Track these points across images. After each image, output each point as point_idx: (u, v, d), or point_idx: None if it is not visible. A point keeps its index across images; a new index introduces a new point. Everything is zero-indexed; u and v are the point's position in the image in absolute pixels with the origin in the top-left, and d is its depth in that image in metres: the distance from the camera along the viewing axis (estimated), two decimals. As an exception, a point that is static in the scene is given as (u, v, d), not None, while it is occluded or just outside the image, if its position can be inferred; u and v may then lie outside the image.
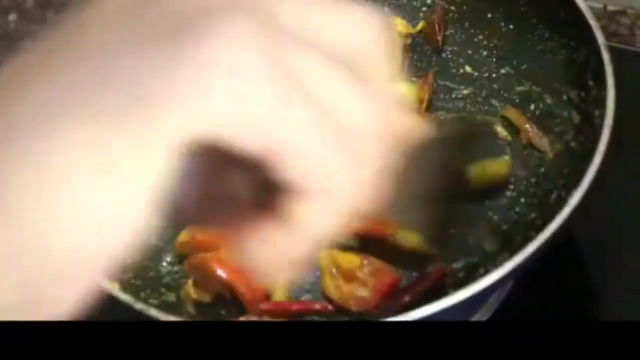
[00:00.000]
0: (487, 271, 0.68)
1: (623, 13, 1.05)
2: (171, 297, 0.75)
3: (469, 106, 0.86)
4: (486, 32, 0.89)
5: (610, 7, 1.01)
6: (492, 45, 0.88)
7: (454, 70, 0.89)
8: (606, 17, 1.01)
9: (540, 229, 0.68)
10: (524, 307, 0.78)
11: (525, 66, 0.84)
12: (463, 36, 0.90)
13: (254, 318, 0.71)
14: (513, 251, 0.68)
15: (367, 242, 0.71)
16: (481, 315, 0.79)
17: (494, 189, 0.75)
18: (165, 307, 0.69)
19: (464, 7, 0.91)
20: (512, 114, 0.82)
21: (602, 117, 0.70)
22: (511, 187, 0.76)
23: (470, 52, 0.89)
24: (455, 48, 0.90)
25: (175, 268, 0.77)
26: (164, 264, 0.77)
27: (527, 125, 0.80)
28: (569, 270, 0.80)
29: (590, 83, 0.75)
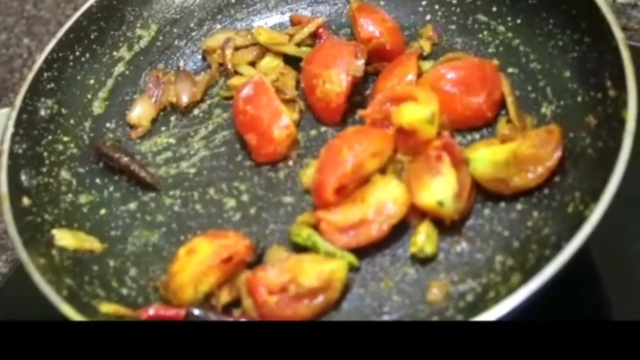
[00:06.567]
0: (498, 295, 0.62)
1: (634, 6, 1.00)
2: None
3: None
4: (491, 27, 0.82)
5: (620, 0, 0.95)
6: (497, 42, 0.81)
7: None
8: (615, 10, 0.95)
9: (556, 246, 0.61)
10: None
11: (534, 64, 0.77)
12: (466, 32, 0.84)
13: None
14: (527, 271, 0.62)
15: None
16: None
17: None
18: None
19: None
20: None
21: (621, 121, 0.64)
22: (522, 199, 0.68)
23: (473, 51, 0.82)
24: (457, 46, 0.83)
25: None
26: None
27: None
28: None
29: (608, 84, 0.68)
